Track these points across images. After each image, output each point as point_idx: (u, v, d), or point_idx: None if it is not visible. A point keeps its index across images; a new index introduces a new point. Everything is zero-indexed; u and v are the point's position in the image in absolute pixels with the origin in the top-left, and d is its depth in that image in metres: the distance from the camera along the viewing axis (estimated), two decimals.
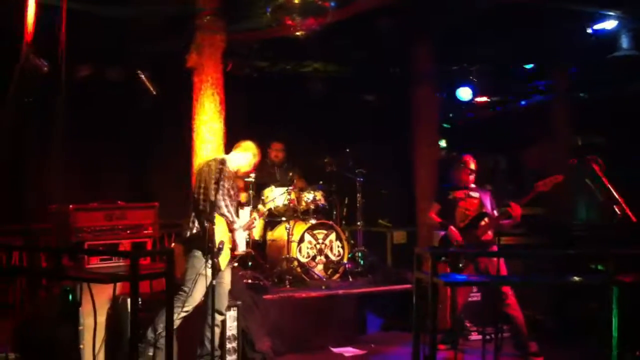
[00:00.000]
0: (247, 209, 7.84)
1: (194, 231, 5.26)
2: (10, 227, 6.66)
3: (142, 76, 8.33)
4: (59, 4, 4.62)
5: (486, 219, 6.32)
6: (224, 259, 5.22)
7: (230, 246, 5.37)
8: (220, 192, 5.19)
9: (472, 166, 6.65)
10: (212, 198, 5.12)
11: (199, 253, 5.19)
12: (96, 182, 8.40)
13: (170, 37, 7.50)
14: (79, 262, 5.53)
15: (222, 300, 5.41)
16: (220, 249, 5.01)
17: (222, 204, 5.23)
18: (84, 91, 7.80)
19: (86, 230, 5.66)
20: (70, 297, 4.74)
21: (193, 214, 5.32)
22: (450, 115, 10.55)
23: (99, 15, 6.80)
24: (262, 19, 7.00)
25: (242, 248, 5.51)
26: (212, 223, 4.97)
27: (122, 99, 8.49)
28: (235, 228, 5.40)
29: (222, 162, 5.33)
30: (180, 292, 5.15)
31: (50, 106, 4.41)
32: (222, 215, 5.26)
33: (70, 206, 5.62)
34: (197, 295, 5.20)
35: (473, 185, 6.66)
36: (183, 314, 5.12)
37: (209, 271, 5.01)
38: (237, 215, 5.56)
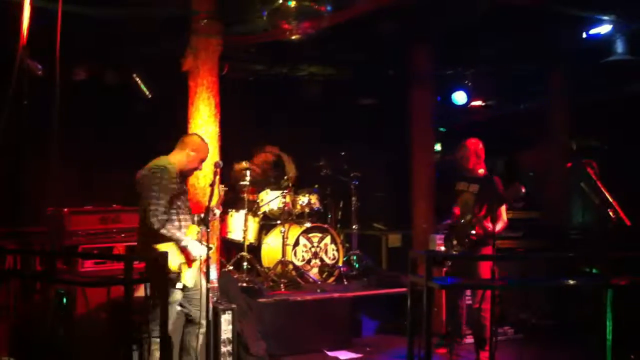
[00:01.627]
0: (242, 212, 7.85)
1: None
2: (4, 230, 6.65)
3: (137, 79, 8.33)
4: (55, 6, 4.61)
5: (471, 218, 6.13)
6: (190, 276, 4.90)
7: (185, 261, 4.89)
8: (154, 209, 4.72)
9: (481, 155, 6.32)
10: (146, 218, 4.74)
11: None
12: (92, 185, 8.38)
13: (166, 40, 7.49)
14: (73, 265, 5.52)
15: (205, 306, 5.10)
16: (178, 274, 4.71)
17: (155, 221, 4.70)
18: (79, 94, 7.79)
19: (80, 234, 5.67)
20: (64, 300, 4.74)
21: (142, 237, 4.88)
22: (446, 118, 10.56)
23: (94, 17, 6.79)
24: (259, 23, 7.00)
25: (199, 253, 4.93)
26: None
27: (118, 102, 8.48)
28: (184, 245, 4.83)
29: (159, 170, 4.88)
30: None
31: (46, 109, 4.40)
32: (162, 237, 4.74)
33: (65, 209, 5.62)
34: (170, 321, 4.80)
35: (479, 172, 6.28)
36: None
37: (177, 296, 4.83)
38: (187, 222, 5.07)
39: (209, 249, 5.26)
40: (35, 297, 5.93)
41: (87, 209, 5.85)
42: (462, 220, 6.19)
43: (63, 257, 5.60)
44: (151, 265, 4.25)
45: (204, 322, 5.10)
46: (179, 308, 5.01)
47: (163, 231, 4.72)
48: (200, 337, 5.13)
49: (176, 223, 4.89)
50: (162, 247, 4.74)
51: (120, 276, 4.04)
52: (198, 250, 4.91)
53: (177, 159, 5.10)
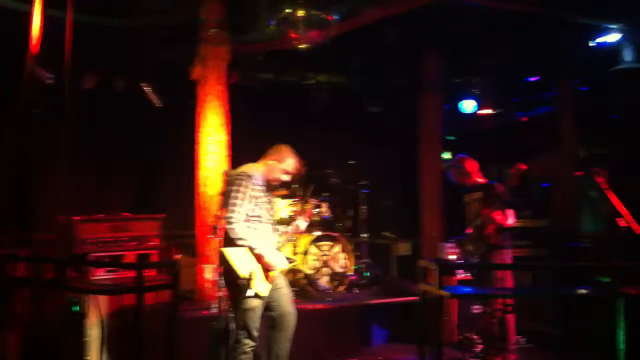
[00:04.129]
0: None
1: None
2: (16, 238, 6.66)
3: (146, 88, 8.35)
4: (64, 15, 4.64)
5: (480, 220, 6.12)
6: (263, 286, 4.83)
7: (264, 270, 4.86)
8: (234, 216, 4.72)
9: (467, 167, 6.37)
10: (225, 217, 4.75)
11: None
12: (102, 193, 8.40)
13: (175, 49, 7.52)
14: (83, 273, 5.53)
15: (288, 305, 5.07)
16: (249, 280, 4.57)
17: (230, 227, 4.70)
18: (89, 102, 7.82)
19: (91, 242, 5.66)
20: (76, 308, 4.74)
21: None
22: (454, 127, 10.56)
23: (103, 26, 6.83)
24: (266, 32, 7.02)
25: (280, 266, 4.93)
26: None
27: (128, 111, 8.51)
28: (258, 253, 4.77)
29: (246, 177, 4.84)
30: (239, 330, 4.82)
31: (57, 117, 4.42)
32: (234, 238, 4.72)
33: (75, 217, 5.62)
34: (252, 326, 4.81)
35: (479, 181, 6.35)
36: (249, 344, 4.84)
37: (254, 303, 4.75)
38: (267, 232, 5.03)
39: (291, 261, 5.43)
40: (46, 305, 5.94)
41: (98, 217, 5.85)
42: (474, 225, 6.19)
43: (74, 265, 5.60)
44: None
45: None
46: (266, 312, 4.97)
47: (235, 236, 4.69)
48: (287, 344, 5.05)
49: (256, 231, 4.86)
50: (229, 251, 4.69)
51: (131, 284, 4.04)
52: (275, 261, 4.86)
53: (262, 167, 5.09)
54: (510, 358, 5.81)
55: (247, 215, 4.80)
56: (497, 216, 5.91)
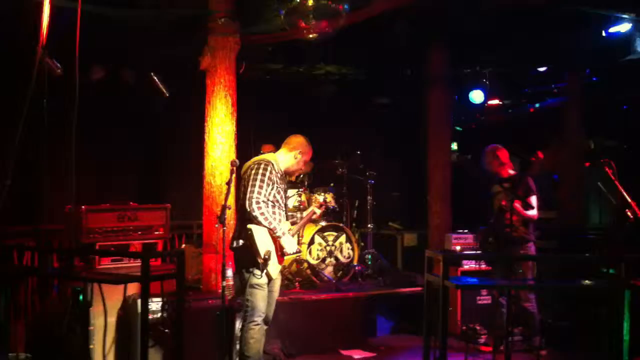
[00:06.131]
0: None
1: (240, 242, 5.00)
2: (23, 228, 6.70)
3: (155, 78, 8.36)
4: (74, 6, 4.64)
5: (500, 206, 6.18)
6: (275, 267, 5.06)
7: (279, 253, 5.11)
8: (255, 195, 4.91)
9: (501, 157, 6.48)
10: (245, 203, 4.93)
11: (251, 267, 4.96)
12: (109, 183, 8.43)
13: (185, 40, 7.52)
14: (90, 263, 5.56)
15: (271, 309, 5.26)
16: (266, 260, 4.86)
17: (255, 207, 4.88)
18: (98, 93, 7.84)
19: (97, 231, 5.68)
20: (81, 297, 4.77)
21: (239, 222, 5.14)
22: (463, 118, 10.52)
23: (113, 17, 6.82)
24: (276, 22, 7.01)
25: (292, 250, 5.16)
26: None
27: (136, 101, 8.53)
28: (279, 235, 5.01)
29: (266, 163, 5.04)
30: (245, 309, 5.05)
31: (64, 108, 4.44)
32: (258, 223, 4.92)
33: (82, 207, 5.64)
34: (260, 305, 5.02)
35: (510, 172, 6.46)
36: (253, 327, 5.00)
37: (262, 280, 4.96)
38: (281, 217, 5.25)
39: (299, 251, 5.77)
40: (52, 295, 5.98)
41: (105, 207, 5.87)
42: (495, 210, 6.21)
43: (80, 255, 5.63)
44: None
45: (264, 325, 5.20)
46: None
47: (257, 214, 4.89)
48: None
49: (274, 215, 5.07)
50: (255, 228, 4.92)
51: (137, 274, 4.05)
52: (291, 246, 5.13)
53: (283, 158, 5.29)
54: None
55: (266, 197, 5.00)
56: (517, 204, 5.97)
